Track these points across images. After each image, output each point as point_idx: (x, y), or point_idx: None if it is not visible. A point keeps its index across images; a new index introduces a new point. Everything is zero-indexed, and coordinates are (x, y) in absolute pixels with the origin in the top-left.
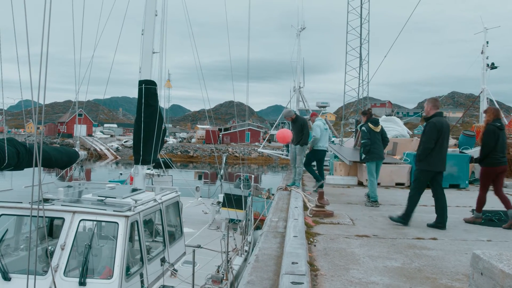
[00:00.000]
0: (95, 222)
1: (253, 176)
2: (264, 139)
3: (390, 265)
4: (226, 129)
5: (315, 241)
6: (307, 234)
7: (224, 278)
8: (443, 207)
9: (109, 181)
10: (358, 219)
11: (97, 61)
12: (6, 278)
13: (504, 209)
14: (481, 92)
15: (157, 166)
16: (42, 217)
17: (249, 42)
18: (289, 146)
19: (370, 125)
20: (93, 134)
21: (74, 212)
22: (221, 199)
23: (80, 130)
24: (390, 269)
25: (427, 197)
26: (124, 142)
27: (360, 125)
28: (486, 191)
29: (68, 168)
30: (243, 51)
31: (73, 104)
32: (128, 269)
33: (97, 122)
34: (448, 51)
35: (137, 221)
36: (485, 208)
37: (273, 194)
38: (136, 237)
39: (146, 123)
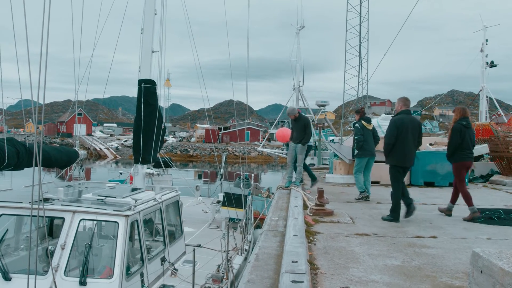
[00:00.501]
0: (95, 222)
1: (252, 175)
2: (263, 138)
3: (390, 264)
4: (225, 128)
5: (315, 239)
6: (307, 233)
7: (225, 277)
8: (407, 199)
9: (109, 181)
10: (358, 218)
11: (96, 61)
12: (7, 278)
13: (504, 207)
14: (481, 90)
15: (157, 165)
16: (42, 216)
17: (248, 41)
18: (289, 144)
19: (363, 122)
20: (92, 134)
21: (74, 212)
22: (221, 198)
23: (79, 129)
24: (390, 268)
25: (425, 195)
26: (124, 141)
27: (353, 122)
28: (465, 184)
29: (68, 167)
30: (242, 50)
31: (73, 103)
32: (128, 268)
33: (97, 121)
34: (447, 49)
35: (137, 221)
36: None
37: (273, 193)
38: (136, 237)
39: (146, 122)
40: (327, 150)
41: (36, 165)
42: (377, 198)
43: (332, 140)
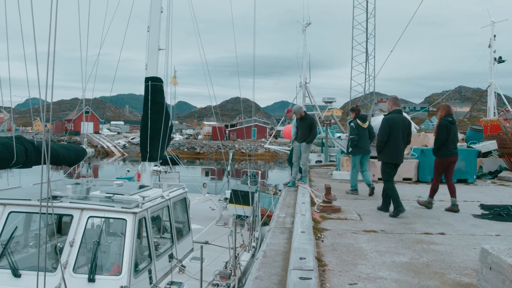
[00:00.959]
0: (103, 219)
1: (260, 172)
2: (270, 135)
3: (398, 260)
4: (232, 126)
5: (322, 236)
6: (315, 229)
7: (232, 274)
8: (388, 196)
9: (117, 178)
10: (365, 215)
11: (103, 59)
12: (16, 275)
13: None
14: (489, 86)
15: (164, 162)
16: (51, 214)
17: (254, 39)
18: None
19: (358, 121)
20: (100, 132)
21: (82, 209)
22: (228, 195)
23: (87, 127)
24: (398, 264)
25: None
26: (131, 139)
27: (349, 121)
28: (439, 179)
29: (76, 165)
30: (248, 47)
31: (80, 101)
32: (136, 265)
33: (104, 119)
34: (455, 45)
35: (145, 218)
36: (487, 202)
37: (280, 190)
38: (144, 234)
39: (153, 120)
40: (334, 147)
41: (44, 163)
42: None
43: (339, 137)
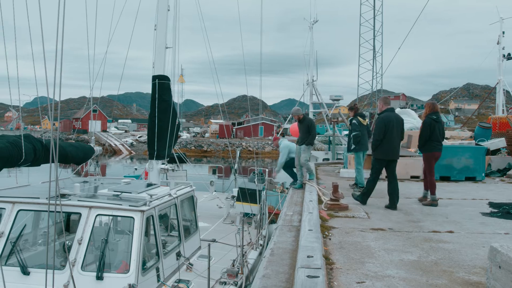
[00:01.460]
0: (111, 217)
1: (267, 170)
2: (277, 133)
3: (406, 259)
4: (239, 124)
5: (330, 234)
6: (322, 227)
7: (240, 272)
8: (393, 192)
9: (124, 176)
10: (373, 213)
11: (110, 57)
12: (25, 273)
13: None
14: (497, 83)
15: (172, 161)
16: (59, 212)
17: (261, 37)
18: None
19: (359, 118)
20: (107, 130)
21: (90, 207)
22: (235, 193)
23: (94, 126)
24: (406, 263)
25: (441, 190)
26: (139, 137)
27: (350, 118)
28: (433, 173)
29: (84, 163)
30: (254, 45)
31: (88, 100)
32: (144, 263)
33: (111, 117)
34: (463, 42)
35: (152, 216)
36: (498, 201)
37: (287, 188)
38: (152, 232)
39: (160, 118)
40: (341, 144)
41: (52, 161)
42: None
43: (346, 135)
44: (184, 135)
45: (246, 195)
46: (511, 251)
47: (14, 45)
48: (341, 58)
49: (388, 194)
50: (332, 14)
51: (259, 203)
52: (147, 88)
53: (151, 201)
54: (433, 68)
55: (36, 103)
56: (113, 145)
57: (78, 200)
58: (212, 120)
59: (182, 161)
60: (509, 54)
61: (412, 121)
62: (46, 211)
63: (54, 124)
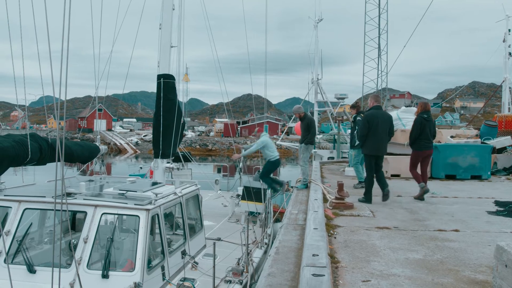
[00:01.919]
0: (116, 216)
1: None
2: (282, 132)
3: (412, 257)
4: (244, 122)
5: (335, 233)
6: (327, 226)
7: (245, 270)
8: (376, 185)
9: (130, 175)
10: (378, 211)
11: (115, 56)
12: (31, 271)
13: None
14: (503, 81)
15: (176, 159)
16: (65, 211)
17: (266, 36)
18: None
19: (362, 116)
20: (112, 129)
21: (96, 206)
22: (240, 192)
23: (100, 125)
24: (411, 261)
25: (447, 188)
26: (144, 136)
27: (354, 115)
28: (416, 168)
29: (89, 162)
30: (259, 43)
31: (93, 99)
32: (149, 261)
33: (117, 116)
34: (468, 40)
35: (157, 215)
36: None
37: (292, 187)
38: (157, 230)
39: (165, 117)
40: (346, 143)
41: (58, 160)
42: (398, 191)
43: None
44: (189, 134)
45: (251, 194)
46: None
47: (20, 44)
48: (346, 57)
49: (378, 187)
50: (337, 12)
51: (264, 202)
52: (152, 87)
53: (156, 200)
54: (439, 66)
55: (41, 102)
56: (118, 144)
57: (84, 199)
58: (217, 119)
59: (187, 160)
60: None
61: None
62: (52, 209)
63: (60, 123)
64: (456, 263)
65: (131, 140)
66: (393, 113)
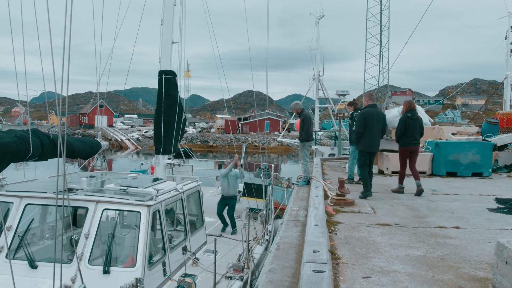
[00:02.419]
0: (118, 212)
1: (273, 165)
2: (283, 128)
3: (412, 254)
4: (245, 119)
5: (336, 229)
6: (328, 222)
7: (245, 266)
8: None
9: (131, 171)
10: (379, 208)
11: (116, 52)
12: (33, 266)
13: None
14: (505, 78)
15: (178, 156)
16: (67, 206)
17: (268, 32)
18: None
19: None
20: (114, 125)
21: (97, 202)
22: (241, 189)
23: (101, 121)
24: (412, 258)
25: (448, 185)
26: (145, 132)
27: (351, 112)
28: (405, 167)
29: (91, 158)
30: (260, 40)
31: (94, 95)
32: (150, 257)
33: (118, 113)
34: (470, 37)
35: (159, 211)
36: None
37: (293, 183)
38: (158, 226)
39: (167, 113)
40: (347, 140)
41: (60, 156)
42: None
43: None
44: (190, 130)
45: (252, 190)
46: None
47: (22, 40)
48: (348, 53)
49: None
50: (338, 9)
51: (265, 198)
52: (153, 83)
53: (157, 196)
54: (440, 63)
55: (42, 98)
56: (120, 140)
57: (85, 195)
58: (218, 115)
59: (188, 156)
60: None
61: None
62: (54, 205)
63: (61, 119)
64: (456, 260)
65: (132, 136)
66: (394, 110)
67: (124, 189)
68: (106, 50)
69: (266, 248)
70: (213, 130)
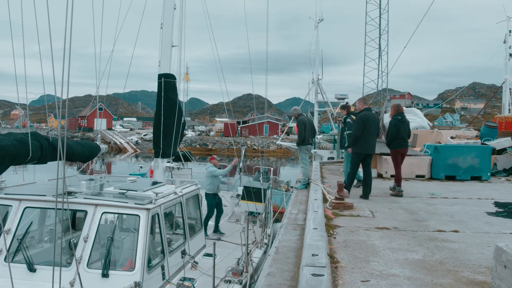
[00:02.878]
0: (117, 215)
1: (272, 168)
2: (282, 132)
3: (411, 258)
4: (244, 122)
5: (335, 233)
6: (327, 226)
7: (244, 270)
8: (367, 183)
9: (130, 174)
10: (378, 212)
11: (116, 55)
12: (32, 270)
13: None
14: (504, 82)
15: (177, 159)
16: (66, 209)
17: (267, 35)
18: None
19: (353, 116)
20: (113, 128)
21: (96, 205)
22: (240, 192)
23: (100, 124)
24: (411, 262)
25: (447, 189)
26: (144, 135)
27: (344, 117)
28: (400, 167)
29: (90, 161)
30: (259, 43)
31: (93, 98)
32: (149, 261)
33: (117, 116)
34: (468, 40)
35: (158, 214)
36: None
37: (292, 187)
38: (157, 230)
39: (166, 116)
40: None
41: (60, 159)
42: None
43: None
44: (189, 133)
45: (251, 194)
46: None
47: (22, 43)
48: (347, 57)
49: (362, 185)
50: (337, 12)
51: (264, 202)
52: (152, 87)
53: (156, 199)
54: (439, 67)
55: (41, 101)
56: (119, 143)
57: (84, 198)
58: (217, 119)
59: (187, 159)
60: None
61: (418, 120)
62: (53, 208)
63: (61, 122)
64: (455, 263)
65: (131, 139)
66: None
67: (123, 193)
68: (106, 53)
69: (265, 252)
70: (212, 133)
